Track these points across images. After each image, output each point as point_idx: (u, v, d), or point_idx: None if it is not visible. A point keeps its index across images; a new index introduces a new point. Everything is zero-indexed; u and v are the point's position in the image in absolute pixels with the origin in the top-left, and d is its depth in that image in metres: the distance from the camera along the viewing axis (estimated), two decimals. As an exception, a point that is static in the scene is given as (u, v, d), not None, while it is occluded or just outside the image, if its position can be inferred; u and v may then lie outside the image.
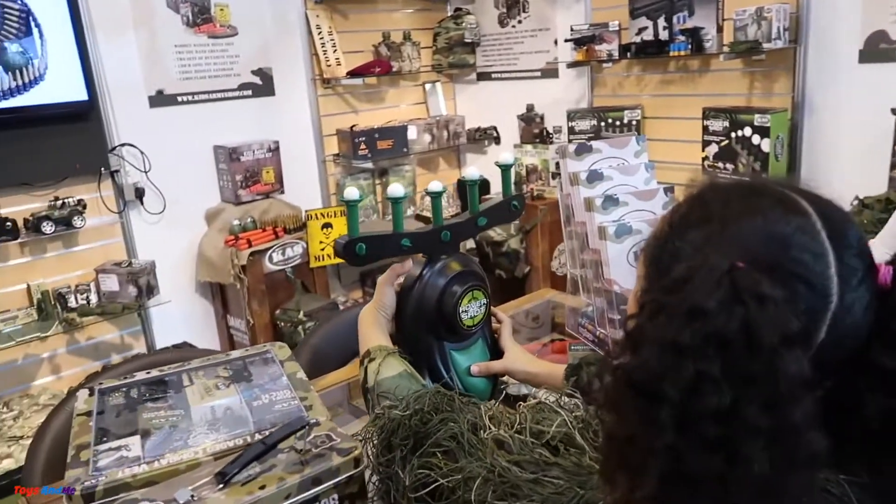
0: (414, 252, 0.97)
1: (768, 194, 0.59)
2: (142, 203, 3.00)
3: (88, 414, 0.79)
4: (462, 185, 4.18)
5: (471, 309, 0.99)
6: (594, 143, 1.20)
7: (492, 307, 1.07)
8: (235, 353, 0.88)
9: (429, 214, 4.11)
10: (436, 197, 0.99)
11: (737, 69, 2.94)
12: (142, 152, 2.97)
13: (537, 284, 3.57)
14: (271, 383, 0.83)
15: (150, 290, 2.91)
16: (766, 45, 2.63)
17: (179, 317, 3.19)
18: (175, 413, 0.77)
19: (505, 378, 1.11)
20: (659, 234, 0.63)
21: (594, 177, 1.16)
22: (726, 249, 0.56)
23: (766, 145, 2.74)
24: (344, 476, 0.68)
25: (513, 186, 1.09)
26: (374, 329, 0.99)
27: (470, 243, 4.10)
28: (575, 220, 1.18)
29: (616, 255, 1.10)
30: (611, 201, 1.13)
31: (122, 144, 2.92)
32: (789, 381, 0.49)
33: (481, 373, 1.04)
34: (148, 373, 0.85)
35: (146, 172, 2.99)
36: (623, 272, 1.11)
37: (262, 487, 0.63)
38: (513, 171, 1.10)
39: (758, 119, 2.74)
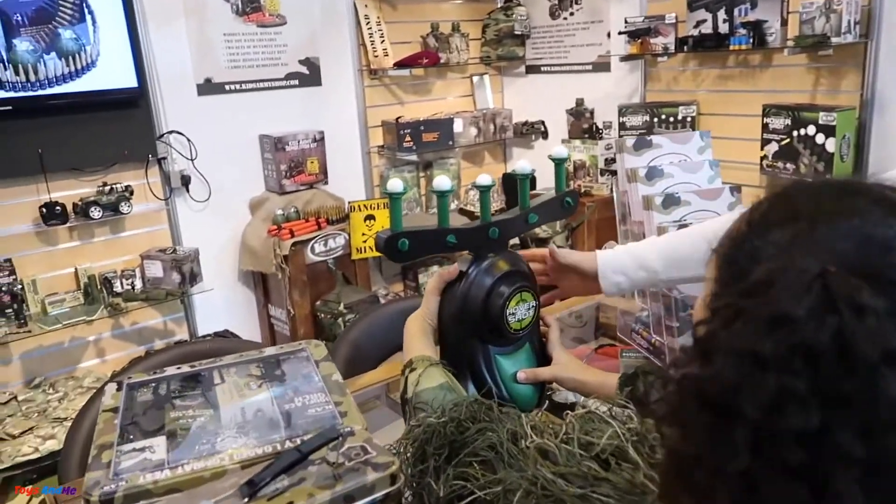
0: (459, 249, 0.92)
1: (865, 193, 0.52)
2: (187, 191, 3.01)
3: (115, 410, 0.76)
4: (508, 180, 4.10)
5: (519, 311, 0.93)
6: (654, 138, 1.12)
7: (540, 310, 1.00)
8: (270, 350, 0.84)
9: (473, 209, 4.06)
10: (484, 191, 0.93)
11: (801, 65, 2.79)
12: (189, 140, 2.98)
13: (582, 284, 3.48)
14: (305, 384, 0.78)
15: (194, 277, 2.92)
16: (834, 40, 2.49)
17: (222, 305, 3.20)
18: (204, 413, 0.73)
19: (552, 385, 1.05)
20: (735, 233, 0.56)
21: (654, 173, 1.08)
22: (816, 251, 0.48)
23: (830, 145, 2.59)
24: (380, 494, 0.63)
25: (564, 181, 1.02)
26: (419, 338, 0.94)
27: (514, 239, 4.03)
28: (631, 219, 1.10)
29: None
30: (671, 200, 1.05)
31: (170, 132, 2.93)
32: (892, 406, 0.42)
33: (528, 380, 0.98)
34: (179, 368, 0.81)
35: (192, 160, 3.00)
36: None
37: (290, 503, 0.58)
38: (565, 165, 1.03)
39: (823, 117, 2.59)
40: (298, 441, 0.68)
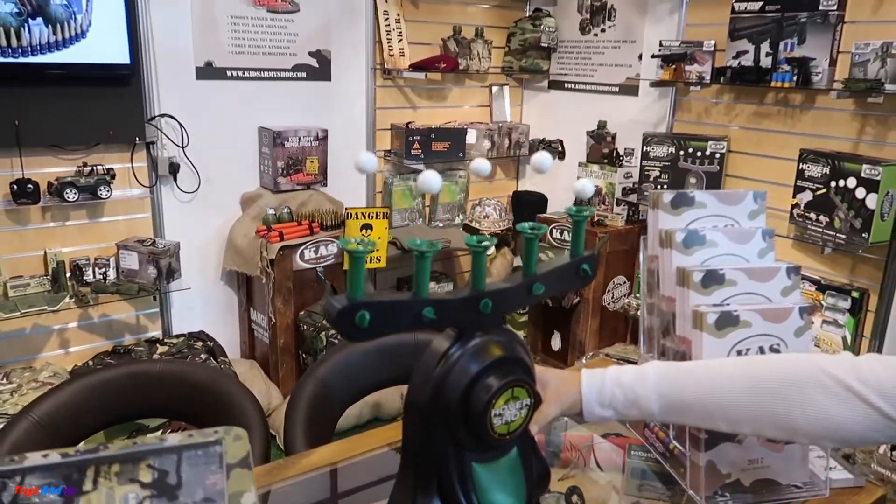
0: (439, 326, 0.71)
1: None
2: (175, 179, 2.82)
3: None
4: (517, 199, 3.89)
5: (507, 412, 0.72)
6: (697, 195, 0.91)
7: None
8: (173, 440, 0.63)
9: (478, 226, 3.85)
10: (479, 252, 0.71)
11: (846, 110, 2.58)
12: (181, 125, 2.78)
13: (585, 317, 3.27)
14: None
15: (171, 273, 2.72)
16: (889, 87, 2.27)
17: (200, 303, 3.00)
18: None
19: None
20: None
21: (693, 240, 0.87)
22: None
23: (871, 201, 2.37)
24: None
25: (584, 241, 0.80)
26: None
27: (518, 260, 3.82)
28: (660, 294, 0.89)
29: (714, 351, 0.82)
30: (713, 278, 0.84)
31: (162, 115, 2.74)
32: None
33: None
34: (45, 456, 0.61)
35: (183, 148, 2.80)
36: (720, 377, 0.82)
37: None
38: (589, 199, 0.81)
39: (866, 170, 2.38)
40: None
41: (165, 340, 2.82)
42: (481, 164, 0.80)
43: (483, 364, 0.71)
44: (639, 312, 3.18)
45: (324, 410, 1.51)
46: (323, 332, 2.82)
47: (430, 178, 0.68)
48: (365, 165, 0.69)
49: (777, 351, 0.84)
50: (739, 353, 0.82)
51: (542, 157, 0.83)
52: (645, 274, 0.93)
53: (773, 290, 0.86)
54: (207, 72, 2.84)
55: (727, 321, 0.81)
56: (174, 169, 2.79)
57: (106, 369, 1.52)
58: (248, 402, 1.50)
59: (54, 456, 0.61)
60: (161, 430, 2.40)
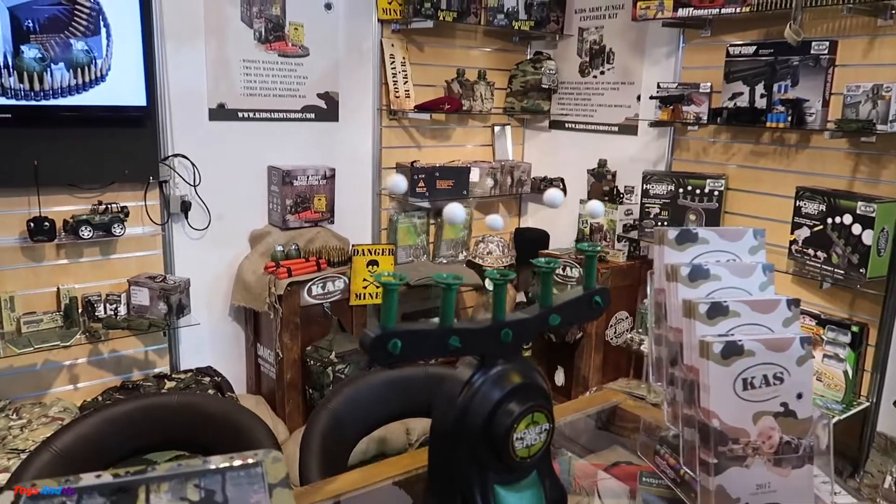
0: (463, 353, 0.76)
1: None
2: (186, 217, 2.88)
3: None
4: (520, 235, 3.96)
5: (528, 436, 0.76)
6: (700, 231, 0.96)
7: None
8: (216, 461, 0.68)
9: (481, 262, 3.91)
10: (500, 284, 0.77)
11: (840, 149, 2.66)
12: (193, 165, 2.85)
13: (588, 352, 3.30)
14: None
15: (181, 308, 2.77)
16: (880, 127, 2.35)
17: (208, 339, 3.04)
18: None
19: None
20: None
21: (698, 273, 0.92)
22: None
23: (867, 237, 2.43)
24: None
25: (595, 275, 0.85)
26: None
27: (521, 296, 3.86)
28: (668, 325, 0.94)
29: (720, 380, 0.86)
30: (718, 309, 0.89)
31: (175, 155, 2.81)
32: None
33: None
34: (98, 476, 0.65)
35: (195, 186, 2.87)
36: (727, 403, 0.86)
37: None
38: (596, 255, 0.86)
39: (861, 207, 2.44)
40: None
41: (173, 376, 2.84)
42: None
43: (504, 390, 0.75)
44: (642, 347, 3.21)
45: (337, 442, 1.54)
46: (329, 368, 2.85)
47: (455, 210, 0.73)
48: (396, 186, 0.75)
49: (780, 379, 0.88)
50: (745, 381, 0.87)
51: (554, 193, 0.89)
52: (652, 306, 0.98)
53: (775, 321, 0.91)
54: (220, 113, 2.93)
55: (732, 350, 0.86)
56: (186, 207, 2.86)
57: (124, 402, 1.55)
58: (263, 433, 1.53)
59: (107, 476, 0.65)
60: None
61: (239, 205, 3.04)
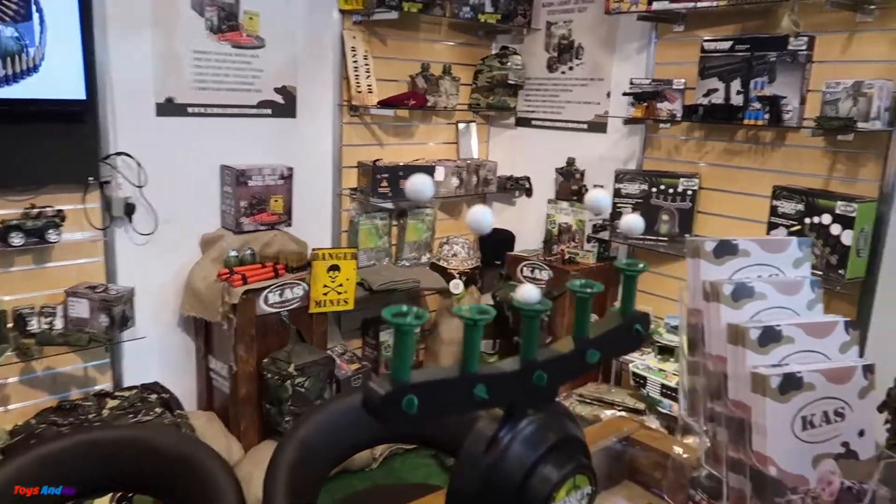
0: (491, 406, 0.60)
1: None
2: (130, 221, 2.65)
3: None
4: (485, 236, 3.82)
5: (569, 503, 0.62)
6: (741, 242, 0.84)
7: None
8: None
9: (445, 265, 3.75)
10: (533, 318, 0.61)
11: (817, 147, 2.60)
12: (139, 164, 2.63)
13: (560, 358, 3.18)
14: None
15: (125, 321, 2.54)
16: (861, 125, 2.30)
17: (155, 352, 2.81)
18: None
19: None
20: None
21: (742, 292, 0.79)
22: None
23: (847, 237, 2.38)
24: None
25: (635, 298, 0.71)
26: None
27: (487, 298, 3.71)
28: (706, 351, 0.81)
29: (778, 419, 0.73)
30: (770, 336, 0.76)
31: (118, 153, 2.58)
32: None
33: None
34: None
35: (140, 188, 2.64)
36: (785, 447, 0.73)
37: None
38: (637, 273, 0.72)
39: (841, 207, 2.39)
40: None
41: (116, 394, 2.61)
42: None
43: (539, 450, 0.60)
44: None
45: (306, 477, 1.37)
46: (288, 381, 2.67)
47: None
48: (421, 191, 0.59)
49: (842, 415, 0.76)
50: (804, 419, 0.74)
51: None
52: (685, 329, 0.85)
53: (831, 346, 0.79)
54: (168, 108, 2.70)
55: (791, 384, 0.73)
56: (130, 210, 2.63)
57: (57, 439, 1.35)
58: (221, 470, 1.35)
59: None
60: None
61: (189, 207, 2.82)
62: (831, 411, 0.75)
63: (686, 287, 0.85)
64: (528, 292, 0.60)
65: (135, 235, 2.68)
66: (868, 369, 0.77)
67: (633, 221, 0.72)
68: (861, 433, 0.77)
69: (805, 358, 0.77)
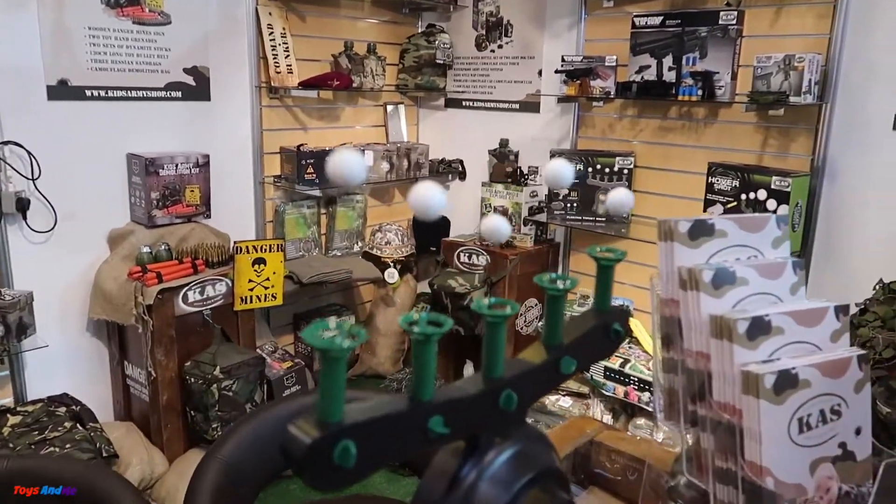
0: (451, 440, 0.47)
1: None
2: (24, 218, 2.38)
3: None
4: (419, 222, 3.68)
5: (548, 550, 0.50)
6: (717, 222, 0.74)
7: None
8: None
9: (379, 253, 3.60)
10: (497, 324, 0.48)
11: (749, 122, 2.59)
12: (30, 154, 2.36)
13: (500, 345, 3.10)
14: None
15: (23, 329, 2.28)
16: (793, 99, 2.28)
17: (63, 361, 2.56)
18: None
19: None
20: None
21: (723, 278, 0.70)
22: None
23: (783, 212, 2.37)
24: None
25: (611, 292, 0.59)
26: None
27: (423, 286, 3.58)
28: (684, 346, 0.71)
29: (773, 423, 0.64)
30: (760, 328, 0.66)
31: (5, 142, 2.31)
32: None
33: None
34: None
35: (34, 180, 2.38)
36: (782, 454, 0.64)
37: None
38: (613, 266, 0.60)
39: (776, 182, 2.38)
40: None
41: (18, 409, 2.36)
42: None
43: (512, 490, 0.48)
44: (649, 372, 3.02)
45: (232, 500, 1.21)
46: (214, 385, 2.47)
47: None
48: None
49: (838, 413, 0.67)
50: (801, 421, 0.65)
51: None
52: (658, 322, 0.75)
53: (822, 335, 0.70)
54: (61, 91, 2.44)
55: (786, 383, 0.64)
56: (23, 205, 2.36)
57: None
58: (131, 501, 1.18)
59: None
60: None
61: (93, 200, 2.56)
62: (828, 409, 0.67)
63: (657, 274, 0.75)
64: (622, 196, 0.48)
65: (30, 233, 2.41)
66: (863, 359, 0.68)
67: (623, 197, 0.60)
68: (858, 431, 0.69)
69: (796, 351, 0.68)
